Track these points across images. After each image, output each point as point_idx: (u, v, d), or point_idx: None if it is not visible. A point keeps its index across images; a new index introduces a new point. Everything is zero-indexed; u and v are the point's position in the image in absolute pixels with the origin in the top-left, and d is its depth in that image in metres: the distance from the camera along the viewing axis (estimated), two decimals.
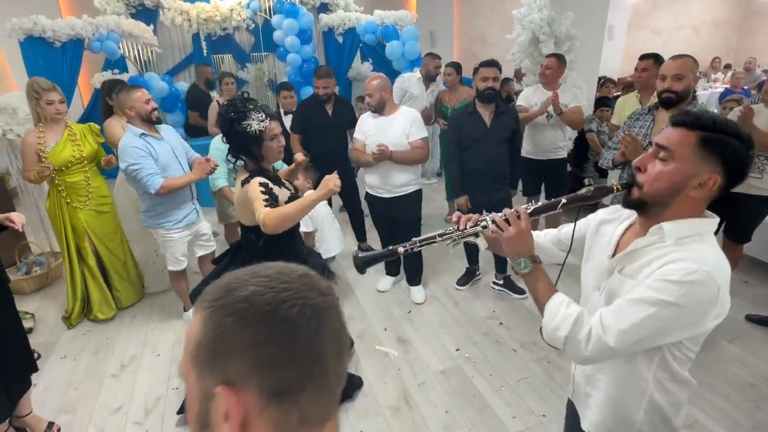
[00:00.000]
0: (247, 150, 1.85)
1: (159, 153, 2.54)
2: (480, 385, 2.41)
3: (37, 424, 2.14)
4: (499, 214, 1.13)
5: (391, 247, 1.14)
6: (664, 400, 1.06)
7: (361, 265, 1.15)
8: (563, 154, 3.49)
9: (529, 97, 3.44)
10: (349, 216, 3.81)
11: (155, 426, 2.22)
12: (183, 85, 5.20)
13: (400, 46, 5.07)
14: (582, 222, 1.24)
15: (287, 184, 2.04)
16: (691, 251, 0.94)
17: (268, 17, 5.82)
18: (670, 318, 0.91)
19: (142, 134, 2.51)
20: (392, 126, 2.79)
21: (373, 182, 2.98)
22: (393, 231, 3.10)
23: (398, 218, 3.00)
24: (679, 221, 0.97)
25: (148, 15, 5.63)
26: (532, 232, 1.18)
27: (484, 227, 1.14)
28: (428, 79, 4.07)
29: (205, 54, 5.78)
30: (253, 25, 5.92)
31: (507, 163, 2.93)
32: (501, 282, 3.22)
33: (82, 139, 2.79)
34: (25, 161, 2.68)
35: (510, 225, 1.09)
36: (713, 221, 0.99)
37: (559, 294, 1.05)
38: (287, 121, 3.74)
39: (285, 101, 3.80)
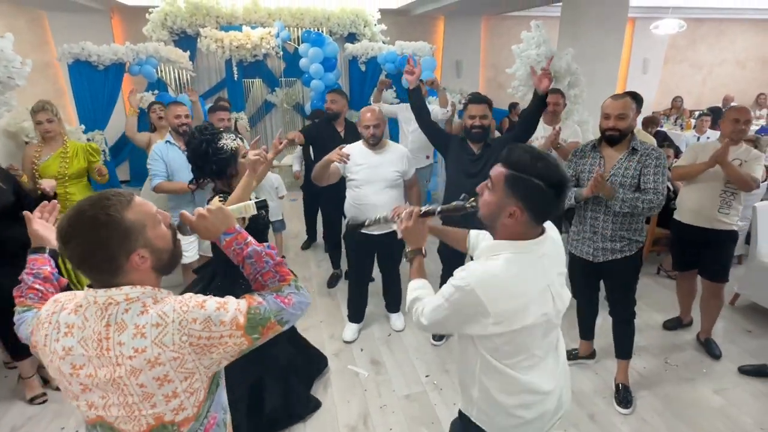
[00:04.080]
0: (220, 170, 1.93)
1: (171, 159, 2.97)
2: (441, 412, 2.42)
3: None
4: (409, 209, 1.43)
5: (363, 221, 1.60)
6: (492, 385, 1.24)
7: (351, 230, 1.63)
8: None
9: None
10: (328, 245, 3.93)
11: None
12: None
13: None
14: None
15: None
16: (474, 265, 1.17)
17: (297, 45, 6.18)
18: (448, 310, 1.16)
19: (168, 141, 3.03)
20: (384, 162, 2.74)
21: (358, 218, 2.81)
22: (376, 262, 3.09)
23: (387, 253, 2.94)
24: (493, 243, 1.20)
25: (188, 42, 6.12)
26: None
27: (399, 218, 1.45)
28: None
29: (236, 78, 6.20)
30: (282, 53, 6.29)
31: None
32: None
33: (73, 157, 2.97)
34: (23, 170, 2.94)
35: (405, 219, 1.40)
36: (527, 243, 1.15)
37: (420, 280, 1.36)
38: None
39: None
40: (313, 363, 2.71)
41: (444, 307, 1.16)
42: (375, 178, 2.73)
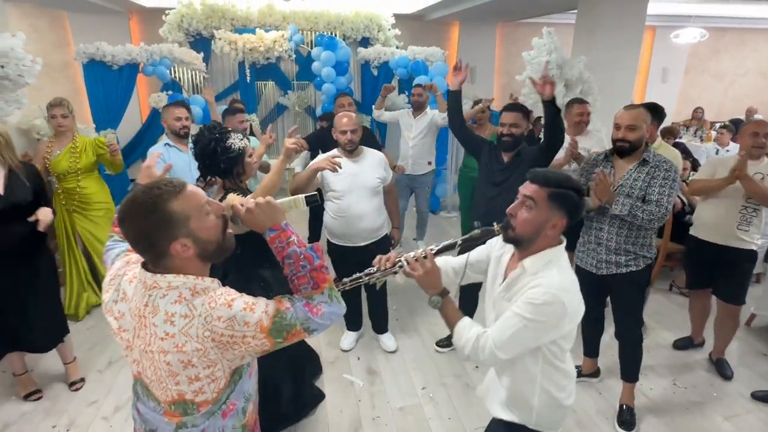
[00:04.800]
0: (229, 168, 1.96)
1: (172, 162, 2.84)
2: (435, 427, 2.35)
3: (74, 372, 2.65)
4: (412, 254, 1.39)
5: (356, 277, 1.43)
6: (551, 387, 1.36)
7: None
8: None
9: None
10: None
11: (120, 422, 2.35)
12: (222, 108, 5.61)
13: (426, 81, 5.17)
14: (483, 248, 1.58)
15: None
16: (543, 278, 1.26)
17: (310, 49, 6.19)
18: (533, 329, 1.23)
19: (166, 144, 2.90)
20: (363, 170, 2.65)
21: (341, 230, 2.70)
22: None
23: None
24: (535, 256, 1.30)
25: (203, 43, 6.17)
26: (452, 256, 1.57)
27: (401, 267, 1.39)
28: (415, 108, 4.19)
29: (248, 80, 6.23)
30: (295, 56, 6.30)
31: None
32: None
33: (82, 151, 3.05)
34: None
35: (420, 265, 1.36)
36: (561, 246, 1.33)
37: (464, 319, 1.36)
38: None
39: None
40: (316, 359, 2.69)
41: (529, 328, 1.23)
42: (356, 187, 2.61)
